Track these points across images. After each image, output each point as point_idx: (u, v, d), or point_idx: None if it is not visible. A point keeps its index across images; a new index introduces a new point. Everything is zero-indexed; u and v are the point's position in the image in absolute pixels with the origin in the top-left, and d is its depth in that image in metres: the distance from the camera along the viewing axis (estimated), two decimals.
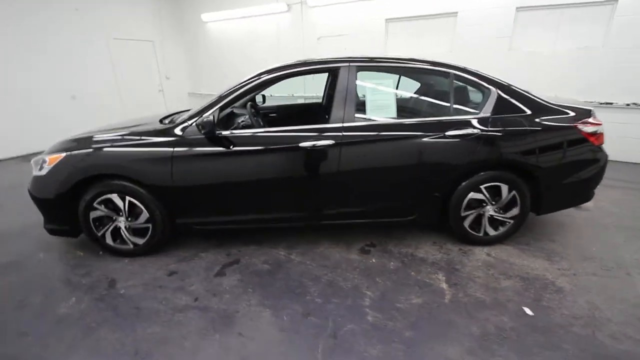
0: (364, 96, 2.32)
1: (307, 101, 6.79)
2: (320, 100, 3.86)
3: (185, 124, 2.25)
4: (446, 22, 5.30)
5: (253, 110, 2.82)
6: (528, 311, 1.86)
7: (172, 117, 2.74)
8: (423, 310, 1.86)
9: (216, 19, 7.53)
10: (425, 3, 5.30)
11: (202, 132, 2.06)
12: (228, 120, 2.83)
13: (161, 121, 2.59)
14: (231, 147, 2.20)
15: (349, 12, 5.98)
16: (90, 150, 2.26)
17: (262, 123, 2.80)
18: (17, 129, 5.64)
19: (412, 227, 2.77)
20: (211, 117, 2.06)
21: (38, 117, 5.86)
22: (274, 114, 3.85)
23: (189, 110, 2.63)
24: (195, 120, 2.22)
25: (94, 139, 2.33)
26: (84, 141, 2.34)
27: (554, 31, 4.78)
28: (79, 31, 6.34)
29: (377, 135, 2.23)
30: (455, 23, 5.22)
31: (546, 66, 4.86)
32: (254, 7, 6.85)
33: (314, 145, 2.18)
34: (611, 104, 4.60)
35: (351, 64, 2.28)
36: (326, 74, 3.43)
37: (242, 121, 2.84)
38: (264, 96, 3.85)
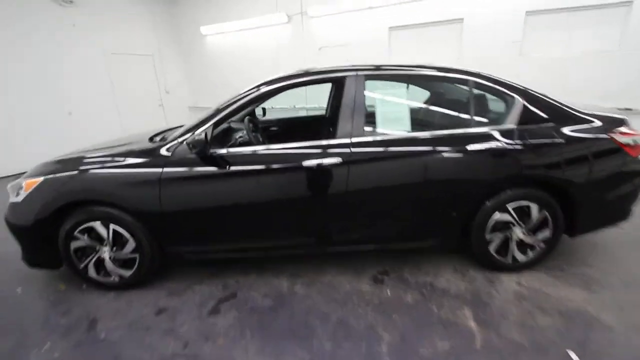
0: (373, 108, 2.07)
1: (310, 113, 6.62)
2: (323, 112, 3.65)
3: (174, 143, 2.02)
4: (452, 29, 5.11)
5: (251, 125, 2.59)
6: (574, 356, 1.58)
7: (164, 134, 2.52)
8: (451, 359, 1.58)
9: (215, 31, 7.43)
10: (430, 10, 5.13)
11: (193, 151, 1.82)
12: (225, 136, 2.61)
13: (151, 139, 2.37)
14: (227, 167, 1.97)
15: (351, 22, 5.82)
16: (70, 174, 2.04)
17: (261, 139, 2.58)
18: (9, 146, 5.46)
19: (430, 251, 2.50)
20: (203, 135, 1.83)
21: (33, 134, 5.69)
22: (275, 128, 3.63)
23: (183, 125, 2.41)
24: (186, 139, 1.99)
25: (75, 162, 2.11)
26: (64, 164, 2.12)
27: (566, 35, 4.57)
28: (76, 47, 6.23)
29: (389, 151, 1.98)
30: (462, 29, 5.03)
31: (560, 71, 4.63)
32: (253, 19, 6.73)
33: (318, 164, 1.93)
34: (630, 109, 4.34)
35: (358, 72, 2.05)
36: (329, 84, 3.21)
37: (240, 137, 2.61)
38: (264, 109, 3.63)
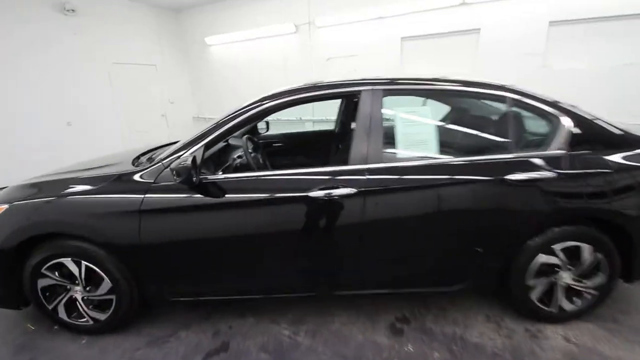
0: (392, 128, 1.75)
1: (316, 126, 6.35)
2: (331, 126, 3.36)
3: (157, 166, 1.72)
4: (468, 39, 4.83)
5: (251, 144, 2.30)
6: None
7: (153, 153, 2.24)
8: None
9: (220, 42, 7.26)
10: (445, 20, 4.86)
11: (177, 180, 1.52)
12: (221, 157, 2.32)
13: (136, 160, 2.08)
14: (219, 196, 1.66)
15: (361, 32, 5.58)
16: (37, 201, 1.75)
17: (262, 160, 2.27)
18: (5, 157, 5.24)
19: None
20: (190, 160, 1.53)
21: (31, 143, 5.48)
22: (279, 144, 3.34)
23: (176, 142, 2.11)
24: (172, 161, 1.70)
25: (44, 187, 1.83)
26: (33, 189, 1.84)
27: (593, 46, 4.25)
28: (77, 56, 6.06)
29: (413, 180, 1.66)
30: (478, 40, 4.75)
31: (586, 85, 4.30)
32: (259, 28, 6.54)
33: (328, 195, 1.62)
34: None
35: (375, 87, 1.74)
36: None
37: (239, 157, 2.31)
38: (267, 122, 3.35)
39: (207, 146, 1.73)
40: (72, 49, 5.97)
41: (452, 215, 1.68)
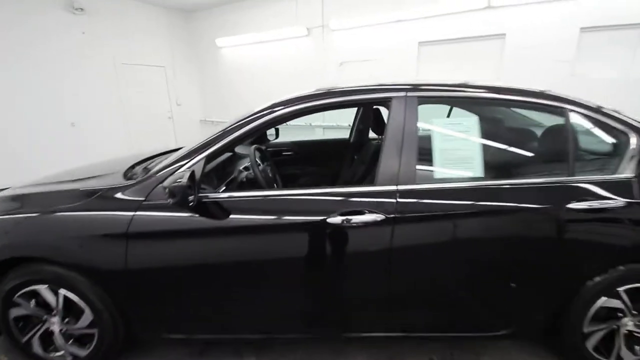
0: (428, 143, 1.47)
1: (327, 133, 6.10)
2: (345, 135, 3.10)
3: (151, 181, 1.47)
4: (492, 45, 4.55)
5: (259, 154, 2.05)
6: None
7: (151, 161, 2.00)
8: None
9: (231, 44, 7.08)
10: (468, 24, 4.59)
11: (171, 201, 1.28)
12: (226, 167, 2.07)
13: (132, 169, 1.84)
14: (221, 218, 1.41)
15: (376, 36, 5.34)
16: (9, 218, 1.51)
17: (271, 173, 2.01)
18: (6, 157, 5.08)
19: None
20: (187, 176, 1.28)
21: (33, 144, 5.33)
22: (289, 152, 3.09)
23: (177, 150, 1.87)
24: (165, 177, 1.44)
25: (19, 201, 1.59)
26: (6, 204, 1.60)
27: (629, 54, 3.94)
28: (85, 55, 5.92)
29: (453, 206, 1.39)
30: (504, 46, 4.47)
31: (617, 95, 3.96)
32: (271, 31, 6.34)
33: (349, 221, 1.35)
34: None
35: (409, 93, 1.47)
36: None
37: (245, 168, 2.06)
38: (277, 129, 3.10)
39: (209, 158, 1.48)
40: (80, 48, 5.83)
41: (496, 249, 1.40)
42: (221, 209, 1.42)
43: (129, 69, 6.62)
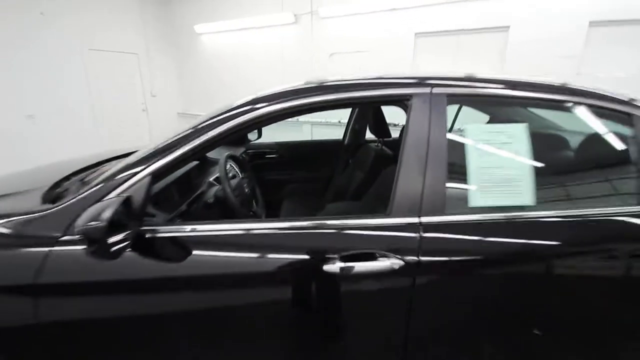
0: (460, 158, 1.09)
1: (315, 130, 5.69)
2: (338, 136, 2.71)
3: (66, 207, 1.03)
4: (494, 38, 4.23)
5: (235, 165, 1.63)
6: None
7: (94, 170, 1.55)
8: None
9: (212, 30, 6.53)
10: (468, 15, 4.25)
11: (88, 248, 0.85)
12: (192, 180, 1.64)
13: (58, 185, 1.38)
14: (170, 260, 0.99)
15: (370, 25, 4.93)
16: None
17: (247, 188, 1.57)
18: None
19: None
20: (115, 207, 0.85)
21: None
22: (273, 155, 2.68)
23: (133, 152, 1.40)
24: (89, 204, 1.01)
25: None
26: None
27: (638, 52, 3.69)
28: (44, 40, 5.26)
29: (499, 244, 1.01)
30: (507, 39, 4.14)
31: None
32: (255, 17, 5.83)
33: (349, 270, 0.96)
34: None
35: (435, 88, 1.09)
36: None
37: (215, 181, 1.62)
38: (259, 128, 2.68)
39: (158, 176, 1.06)
40: (37, 31, 5.17)
41: (567, 308, 1.04)
42: (170, 248, 1.01)
43: (96, 55, 5.98)
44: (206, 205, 1.37)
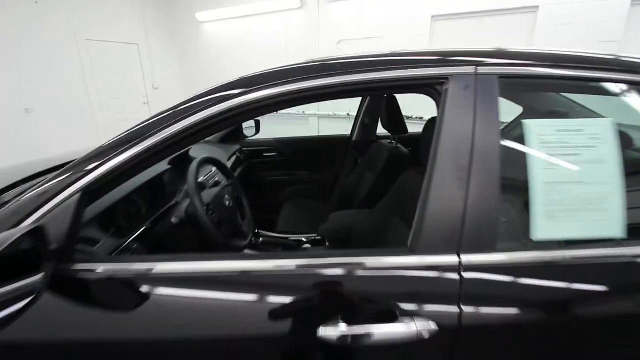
0: (521, 164, 0.76)
1: (321, 123, 5.36)
2: (346, 131, 2.40)
3: None
4: (521, 20, 3.80)
5: (215, 173, 1.33)
6: None
7: (44, 179, 1.26)
8: None
9: (214, 18, 6.23)
10: None
11: None
12: (166, 186, 1.35)
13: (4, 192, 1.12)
14: (116, 309, 0.71)
15: (381, 9, 4.55)
16: None
17: (229, 201, 1.25)
18: None
19: None
20: (7, 244, 0.57)
21: None
22: (272, 153, 2.38)
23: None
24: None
25: None
26: None
27: None
28: (38, 30, 5.03)
29: (577, 292, 0.69)
30: (535, 21, 3.72)
31: None
32: (258, 3, 5.50)
33: (357, 339, 0.65)
34: None
35: (481, 67, 0.75)
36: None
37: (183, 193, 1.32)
38: (257, 121, 2.38)
39: (92, 194, 0.76)
40: (31, 21, 4.94)
41: None
42: (106, 296, 0.72)
43: (94, 46, 5.74)
44: (172, 226, 1.07)
